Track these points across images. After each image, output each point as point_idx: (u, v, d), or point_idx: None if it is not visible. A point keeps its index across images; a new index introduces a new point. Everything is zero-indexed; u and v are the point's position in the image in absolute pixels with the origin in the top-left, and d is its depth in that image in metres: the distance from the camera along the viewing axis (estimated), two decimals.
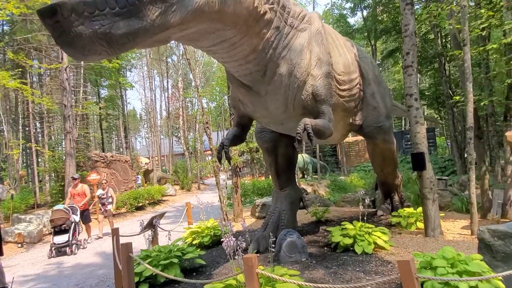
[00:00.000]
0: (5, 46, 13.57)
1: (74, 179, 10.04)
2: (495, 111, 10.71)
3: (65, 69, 14.19)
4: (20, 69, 16.81)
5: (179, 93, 31.26)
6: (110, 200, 10.96)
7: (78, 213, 9.16)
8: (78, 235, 8.95)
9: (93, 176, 14.84)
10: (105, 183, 11.46)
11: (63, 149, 14.66)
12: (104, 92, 29.44)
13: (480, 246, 3.69)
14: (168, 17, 2.36)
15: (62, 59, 14.26)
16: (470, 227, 6.32)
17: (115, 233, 4.84)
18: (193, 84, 38.23)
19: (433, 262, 3.34)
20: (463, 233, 6.41)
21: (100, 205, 10.94)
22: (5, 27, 20.19)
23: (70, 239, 8.44)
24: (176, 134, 44.60)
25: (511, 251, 3.40)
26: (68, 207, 9.03)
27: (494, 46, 6.83)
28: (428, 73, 21.11)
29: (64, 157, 14.20)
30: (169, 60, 38.04)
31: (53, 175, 19.55)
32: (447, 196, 9.35)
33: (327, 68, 4.71)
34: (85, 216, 9.76)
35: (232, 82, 4.75)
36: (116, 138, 45.55)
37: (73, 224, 8.67)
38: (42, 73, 21.62)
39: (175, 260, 4.75)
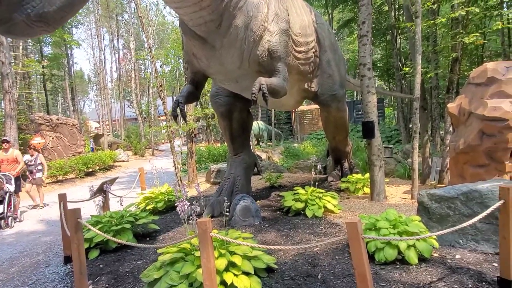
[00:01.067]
0: None
1: (4, 142, 8.97)
2: (439, 85, 11.35)
3: None
4: None
5: (131, 54, 29.66)
6: (39, 167, 9.78)
7: (13, 182, 8.31)
8: (14, 206, 8.17)
9: (37, 140, 13.98)
10: (32, 148, 10.08)
11: (2, 110, 13.51)
12: (47, 50, 27.17)
13: (419, 208, 4.00)
14: None
15: None
16: (411, 192, 6.82)
17: (62, 198, 4.63)
18: (146, 45, 36.36)
19: (377, 224, 3.59)
20: (405, 197, 6.91)
21: (28, 173, 9.68)
22: None
23: (5, 210, 7.66)
24: (128, 98, 42.73)
25: (445, 213, 3.73)
26: (1, 175, 8.19)
27: (443, 20, 7.13)
28: (381, 45, 21.72)
29: (3, 119, 13.12)
30: (119, 18, 35.63)
31: None
32: (392, 164, 9.97)
33: (284, 25, 4.63)
34: (17, 186, 8.70)
35: (186, 33, 4.49)
36: (62, 101, 42.74)
37: (7, 194, 7.85)
38: None
39: (128, 226, 4.69)
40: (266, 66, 4.46)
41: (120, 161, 21.71)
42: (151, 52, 9.76)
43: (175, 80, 40.85)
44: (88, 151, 21.69)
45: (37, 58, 23.34)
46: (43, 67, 21.27)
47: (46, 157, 15.21)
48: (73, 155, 17.23)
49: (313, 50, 5.98)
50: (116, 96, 43.09)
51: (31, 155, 9.73)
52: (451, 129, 7.45)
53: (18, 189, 8.75)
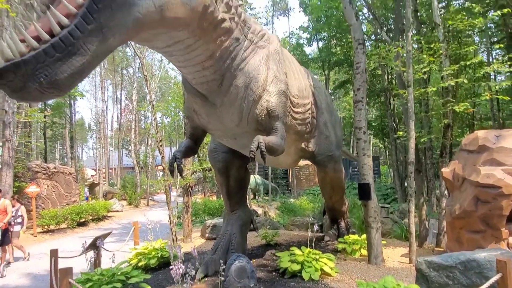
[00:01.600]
0: None
1: None
2: (432, 145, 11.62)
3: None
4: None
5: (133, 105, 30.39)
6: (19, 219, 9.26)
7: None
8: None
9: (32, 188, 13.86)
10: (15, 199, 9.71)
11: (0, 157, 13.54)
12: (51, 100, 27.80)
13: (418, 276, 3.95)
14: (107, 42, 2.27)
15: None
16: (409, 256, 6.72)
17: (53, 254, 4.55)
18: (147, 97, 37.41)
19: None
20: (403, 261, 6.79)
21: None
22: None
23: None
24: (126, 147, 43.01)
25: (444, 282, 3.68)
26: None
27: (434, 89, 7.53)
28: (375, 106, 22.48)
29: (0, 167, 13.12)
30: (124, 71, 37.03)
31: None
32: (389, 224, 9.89)
33: (282, 87, 4.84)
34: (5, 238, 8.39)
35: (188, 91, 4.70)
36: (60, 147, 42.93)
37: None
38: None
39: (118, 285, 4.55)
40: (264, 125, 4.61)
41: (114, 211, 21.34)
42: (153, 108, 10.07)
43: (173, 131, 41.52)
44: (82, 200, 21.40)
45: (40, 106, 23.86)
46: (45, 116, 21.65)
47: (39, 205, 14.99)
48: (67, 204, 16.98)
49: (310, 111, 6.21)
50: (114, 145, 43.37)
51: (13, 206, 9.22)
52: (446, 192, 7.53)
53: (6, 241, 8.48)
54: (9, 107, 13.09)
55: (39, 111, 18.75)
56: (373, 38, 19.48)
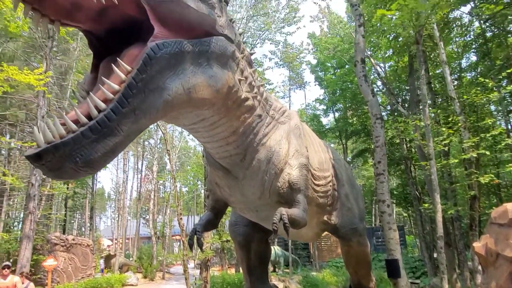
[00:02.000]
0: None
1: (5, 268, 8.21)
2: (460, 215, 11.18)
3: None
4: None
5: (153, 175, 30.95)
6: None
7: None
8: None
9: (49, 262, 13.70)
10: (23, 275, 9.35)
11: (21, 230, 13.67)
12: None
13: None
14: (139, 122, 2.40)
15: None
16: None
17: None
18: (167, 167, 38.21)
19: None
20: None
21: None
22: None
23: None
24: (144, 216, 42.91)
25: None
26: None
27: (456, 161, 7.49)
28: (396, 174, 22.20)
29: (20, 238, 13.19)
30: (146, 143, 38.43)
31: (4, 258, 17.86)
32: None
33: (304, 160, 4.88)
34: None
35: (211, 164, 4.79)
36: (79, 217, 43.15)
37: None
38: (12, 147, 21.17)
39: None
40: (286, 197, 4.61)
41: (129, 285, 20.66)
42: (174, 181, 10.22)
43: (191, 200, 41.48)
44: (98, 272, 20.92)
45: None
46: (67, 188, 22.17)
47: (55, 279, 14.70)
48: (82, 277, 16.60)
49: (331, 183, 6.20)
50: (133, 214, 43.36)
51: (22, 283, 8.82)
52: (480, 267, 7.07)
53: None
54: (36, 180, 13.55)
55: (63, 183, 19.26)
56: (388, 109, 19.94)
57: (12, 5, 9.98)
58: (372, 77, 18.15)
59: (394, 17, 7.73)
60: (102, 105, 2.20)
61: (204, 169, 13.60)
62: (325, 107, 26.20)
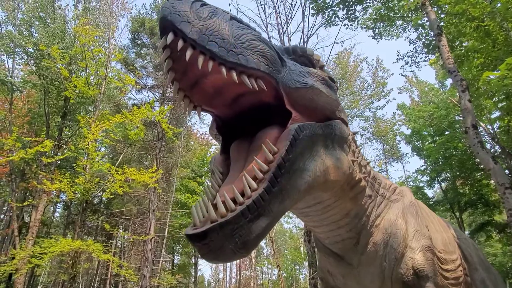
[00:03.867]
0: (103, 219, 15.11)
1: None
2: None
3: (150, 240, 14.97)
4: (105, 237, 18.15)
5: (251, 261, 30.59)
6: None
7: None
8: None
9: None
10: None
11: None
12: (177, 258, 29.91)
13: None
14: (285, 203, 2.35)
15: (149, 230, 15.24)
16: None
17: None
18: (264, 252, 37.62)
19: None
20: None
21: None
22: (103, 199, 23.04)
23: None
24: None
25: None
26: None
27: None
28: None
29: None
30: None
31: None
32: None
33: (426, 242, 4.29)
34: None
35: (320, 250, 4.41)
36: None
37: None
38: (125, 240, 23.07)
39: None
40: (412, 286, 3.98)
41: None
42: (279, 269, 9.77)
43: (291, 286, 39.40)
44: None
45: (169, 267, 25.55)
46: (172, 274, 22.92)
47: None
48: None
49: (461, 268, 5.30)
50: None
51: None
52: None
53: None
54: (148, 271, 14.26)
55: (170, 274, 20.03)
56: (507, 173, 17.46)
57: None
58: (482, 138, 16.34)
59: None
60: (254, 185, 2.19)
61: (308, 253, 12.98)
62: (428, 178, 24.04)
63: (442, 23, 9.32)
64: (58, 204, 25.78)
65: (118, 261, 12.82)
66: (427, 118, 23.13)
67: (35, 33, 15.98)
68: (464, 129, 7.92)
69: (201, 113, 2.29)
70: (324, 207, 3.73)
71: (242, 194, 2.15)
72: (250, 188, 2.14)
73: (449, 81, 26.46)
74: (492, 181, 25.31)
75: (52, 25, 15.82)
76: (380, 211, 4.23)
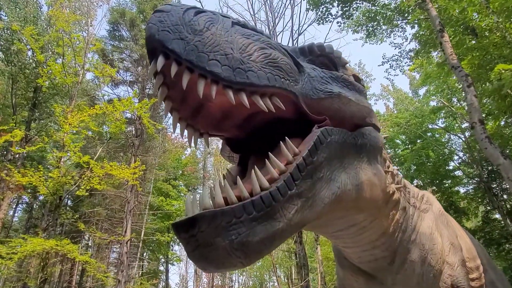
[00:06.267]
0: (76, 218, 13.94)
1: None
2: None
3: (126, 243, 14.02)
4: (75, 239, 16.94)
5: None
6: None
7: None
8: None
9: None
10: None
11: None
12: (144, 264, 28.59)
13: None
14: (304, 213, 2.02)
15: (125, 232, 14.29)
16: None
17: None
18: None
19: None
20: None
21: None
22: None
23: None
24: None
25: None
26: None
27: None
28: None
29: None
30: None
31: None
32: None
33: (461, 255, 4.08)
34: None
35: (345, 268, 4.01)
36: None
37: None
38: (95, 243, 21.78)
39: None
40: None
41: None
42: None
43: None
44: None
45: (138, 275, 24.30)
46: (148, 280, 21.83)
47: None
48: None
49: (483, 275, 5.16)
50: None
51: None
52: None
53: None
54: (122, 276, 13.29)
55: (146, 279, 18.96)
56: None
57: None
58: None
59: None
60: (266, 184, 1.84)
61: (299, 255, 12.80)
62: None
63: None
64: (19, 206, 24.00)
65: (95, 263, 11.76)
66: (404, 125, 23.78)
67: (5, 16, 14.73)
68: (470, 124, 7.94)
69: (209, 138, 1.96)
70: (359, 229, 3.29)
71: (251, 194, 1.80)
72: (260, 187, 1.80)
73: (422, 91, 27.64)
74: (461, 189, 26.53)
75: (24, 9, 14.66)
76: (415, 224, 3.87)
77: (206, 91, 1.42)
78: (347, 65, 2.65)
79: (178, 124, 1.69)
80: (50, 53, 14.72)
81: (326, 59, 2.51)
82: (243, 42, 1.59)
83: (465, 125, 23.68)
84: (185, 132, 1.79)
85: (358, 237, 3.32)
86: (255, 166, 2.01)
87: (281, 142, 1.90)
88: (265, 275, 36.01)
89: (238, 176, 1.95)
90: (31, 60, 14.72)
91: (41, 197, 17.73)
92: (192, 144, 1.92)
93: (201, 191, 1.80)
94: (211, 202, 1.69)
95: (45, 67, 12.84)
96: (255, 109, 1.82)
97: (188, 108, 1.66)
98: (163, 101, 1.52)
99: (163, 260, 26.72)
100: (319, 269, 17.42)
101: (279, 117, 2.06)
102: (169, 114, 1.66)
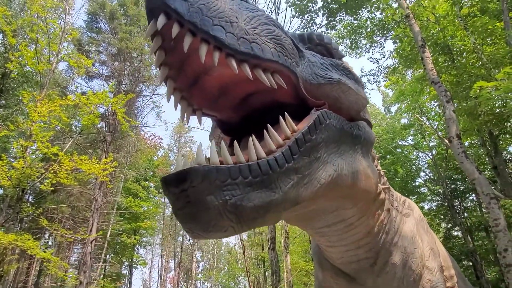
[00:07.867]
0: (38, 215, 13.12)
1: None
2: None
3: (91, 242, 13.38)
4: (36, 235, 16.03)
5: (192, 274, 29.23)
6: None
7: None
8: None
9: None
10: None
11: None
12: (107, 267, 27.52)
13: None
14: (300, 190, 1.99)
15: (91, 230, 13.64)
16: None
17: None
18: (200, 266, 36.22)
19: None
20: None
21: None
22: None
23: None
24: None
25: None
26: None
27: None
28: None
29: None
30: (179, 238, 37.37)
31: None
32: None
33: (439, 261, 4.16)
34: None
35: (326, 269, 3.95)
36: None
37: None
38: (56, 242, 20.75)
39: None
40: None
41: None
42: None
43: None
44: None
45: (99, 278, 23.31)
46: (113, 281, 20.99)
47: None
48: None
49: (456, 285, 5.27)
50: None
51: None
52: None
53: None
54: (85, 277, 12.65)
55: (111, 281, 18.12)
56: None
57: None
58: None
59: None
60: (263, 154, 1.77)
61: (272, 262, 12.70)
62: None
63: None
64: None
65: (58, 261, 11.06)
66: (376, 139, 24.42)
67: None
68: (448, 138, 8.17)
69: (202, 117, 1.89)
70: (346, 226, 3.25)
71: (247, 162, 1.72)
72: (257, 156, 1.73)
73: (393, 108, 28.52)
74: (425, 206, 27.44)
75: None
76: (397, 227, 3.89)
77: (208, 58, 1.32)
78: (343, 59, 2.62)
79: (172, 96, 1.57)
80: (23, 38, 13.98)
81: (324, 49, 2.51)
82: (248, 15, 1.51)
83: (433, 143, 24.67)
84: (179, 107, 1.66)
85: (345, 234, 3.24)
86: (253, 135, 1.89)
87: (280, 117, 1.82)
88: (231, 283, 35.56)
89: (235, 141, 1.83)
90: (0, 44, 13.90)
91: (0, 191, 16.64)
92: (185, 120, 1.81)
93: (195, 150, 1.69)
94: (203, 159, 1.57)
95: (16, 52, 12.18)
96: (253, 88, 1.74)
97: (184, 78, 1.56)
98: (158, 67, 1.40)
99: (126, 263, 25.78)
100: (285, 278, 17.34)
101: (276, 101, 2.00)
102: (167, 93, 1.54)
